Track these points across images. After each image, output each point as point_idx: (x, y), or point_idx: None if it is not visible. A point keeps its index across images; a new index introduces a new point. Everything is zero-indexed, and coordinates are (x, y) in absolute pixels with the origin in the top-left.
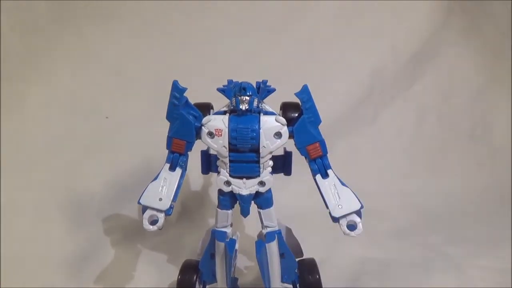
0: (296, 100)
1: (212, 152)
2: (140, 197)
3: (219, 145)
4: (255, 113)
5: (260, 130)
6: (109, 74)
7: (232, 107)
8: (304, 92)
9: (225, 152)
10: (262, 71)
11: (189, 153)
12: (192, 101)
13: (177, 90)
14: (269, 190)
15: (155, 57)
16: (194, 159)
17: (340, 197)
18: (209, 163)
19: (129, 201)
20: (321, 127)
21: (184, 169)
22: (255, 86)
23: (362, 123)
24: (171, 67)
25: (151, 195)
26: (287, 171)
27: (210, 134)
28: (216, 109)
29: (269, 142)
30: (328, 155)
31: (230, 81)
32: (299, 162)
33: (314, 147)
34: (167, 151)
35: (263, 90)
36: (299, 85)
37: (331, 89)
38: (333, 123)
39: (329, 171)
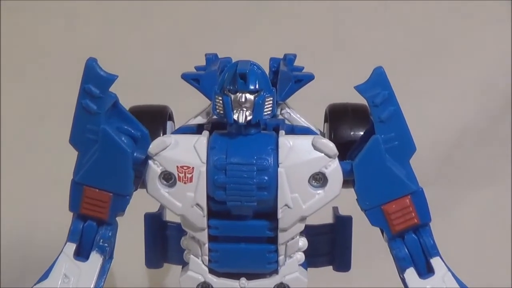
0: (360, 100)
1: (170, 218)
2: None
3: (187, 203)
4: (268, 129)
5: (279, 169)
6: None
7: (215, 117)
8: (378, 84)
9: (199, 218)
10: (280, 44)
11: (119, 219)
12: (128, 102)
13: (95, 80)
14: None
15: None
16: (128, 232)
17: None
18: (162, 242)
19: None
20: (418, 162)
21: (106, 255)
22: (268, 70)
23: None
24: (97, 37)
25: None
26: (342, 263)
27: (167, 178)
28: (179, 121)
29: (299, 196)
30: (432, 224)
31: (211, 58)
32: (367, 239)
33: (400, 206)
34: (70, 214)
35: (286, 76)
36: (363, 71)
37: (438, 86)
38: (446, 151)
39: (436, 262)
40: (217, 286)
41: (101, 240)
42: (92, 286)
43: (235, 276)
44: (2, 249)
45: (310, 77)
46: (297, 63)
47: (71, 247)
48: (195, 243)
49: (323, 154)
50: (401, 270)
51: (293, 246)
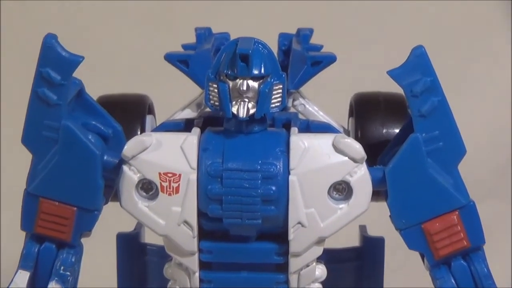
0: (395, 89)
1: (150, 239)
2: None
3: (172, 220)
4: (276, 126)
5: (291, 177)
6: None
7: (208, 110)
8: (417, 68)
9: (188, 239)
10: (292, 15)
11: (85, 240)
12: (97, 91)
13: (55, 62)
14: None
15: None
16: (97, 257)
17: None
18: (139, 270)
19: None
20: (468, 168)
21: (68, 285)
22: (277, 49)
23: None
24: (56, 8)
25: None
26: None
27: (147, 189)
28: (162, 115)
29: (317, 212)
30: (486, 247)
31: (203, 34)
32: (403, 266)
33: (446, 224)
34: (24, 234)
35: (300, 58)
36: (398, 51)
37: (496, 71)
38: (505, 155)
39: None
40: None
41: (62, 267)
42: None
43: None
44: (2, 250)
45: (330, 59)
46: (314, 40)
47: (24, 275)
48: (182, 271)
49: (347, 158)
50: None
51: (309, 276)
